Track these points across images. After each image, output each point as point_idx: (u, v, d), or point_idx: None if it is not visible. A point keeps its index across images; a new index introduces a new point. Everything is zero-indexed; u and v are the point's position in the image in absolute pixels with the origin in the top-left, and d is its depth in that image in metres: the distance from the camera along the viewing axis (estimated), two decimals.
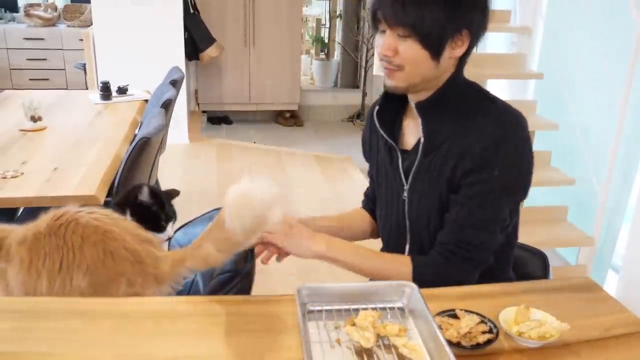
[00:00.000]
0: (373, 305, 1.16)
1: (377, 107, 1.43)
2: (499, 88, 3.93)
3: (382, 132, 1.41)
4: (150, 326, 1.10)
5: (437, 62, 1.26)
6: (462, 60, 1.32)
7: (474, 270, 1.33)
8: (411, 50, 1.24)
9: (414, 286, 1.17)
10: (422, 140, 1.34)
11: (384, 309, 1.16)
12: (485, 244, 1.31)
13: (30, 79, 6.11)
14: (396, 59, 1.26)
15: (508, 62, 3.56)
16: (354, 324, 1.07)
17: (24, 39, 6.06)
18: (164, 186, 4.18)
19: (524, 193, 1.33)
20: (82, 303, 1.17)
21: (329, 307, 1.16)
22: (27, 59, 6.10)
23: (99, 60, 4.98)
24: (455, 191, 1.30)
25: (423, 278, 1.29)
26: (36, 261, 1.18)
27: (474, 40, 1.29)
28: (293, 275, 3.18)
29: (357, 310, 1.14)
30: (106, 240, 1.20)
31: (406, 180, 1.39)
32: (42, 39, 6.09)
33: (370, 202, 1.64)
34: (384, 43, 1.27)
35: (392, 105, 1.42)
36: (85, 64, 5.11)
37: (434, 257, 1.34)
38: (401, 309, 1.17)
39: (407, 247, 1.43)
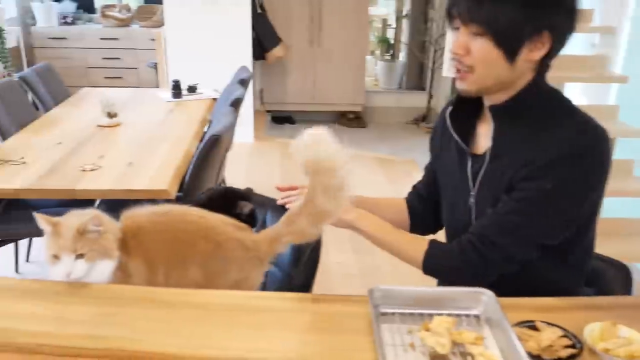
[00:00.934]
0: (447, 312, 1.14)
1: (450, 108, 1.39)
2: (577, 92, 3.79)
3: (454, 134, 1.37)
4: (226, 318, 1.13)
5: (511, 64, 1.20)
6: (543, 64, 1.25)
7: (485, 273, 1.27)
8: (484, 50, 1.19)
9: (491, 294, 1.15)
10: (491, 143, 1.30)
11: (459, 315, 1.15)
12: (508, 251, 1.26)
13: (104, 77, 6.34)
14: (467, 58, 1.22)
15: (588, 64, 3.40)
16: (428, 329, 1.07)
17: (100, 38, 6.30)
18: (230, 184, 4.27)
19: (578, 215, 1.26)
20: (161, 293, 1.21)
21: (402, 311, 1.16)
22: (102, 58, 6.33)
23: (170, 59, 5.12)
24: (508, 192, 1.26)
25: (432, 263, 1.29)
26: (152, 255, 1.25)
27: (558, 43, 1.21)
28: (355, 276, 3.19)
29: (430, 315, 1.13)
30: (213, 233, 1.28)
31: (473, 185, 1.35)
32: (117, 38, 6.31)
33: (416, 196, 1.60)
34: (456, 40, 1.22)
35: (467, 106, 1.37)
36: (156, 63, 5.27)
37: (451, 245, 1.31)
38: (477, 317, 1.15)
39: None
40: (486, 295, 1.16)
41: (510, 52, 1.19)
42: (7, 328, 1.08)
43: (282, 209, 1.40)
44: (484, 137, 1.35)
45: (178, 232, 1.27)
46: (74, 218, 1.20)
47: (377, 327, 1.06)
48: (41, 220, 1.18)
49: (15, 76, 3.61)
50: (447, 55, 3.85)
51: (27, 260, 3.26)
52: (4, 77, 5.14)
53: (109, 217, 1.23)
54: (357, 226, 1.38)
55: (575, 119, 1.24)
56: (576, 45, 3.86)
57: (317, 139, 1.21)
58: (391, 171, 4.83)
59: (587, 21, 3.51)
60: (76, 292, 1.20)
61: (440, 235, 1.64)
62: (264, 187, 4.84)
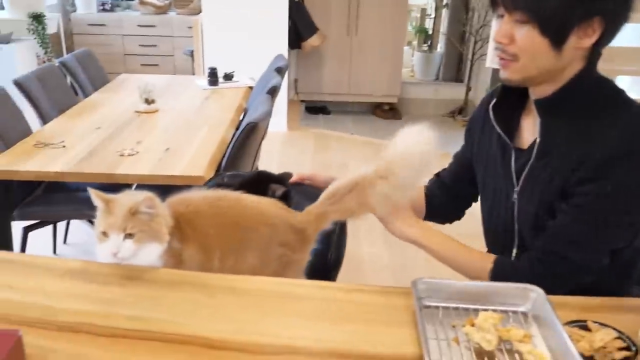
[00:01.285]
0: (493, 307, 1.11)
1: (494, 100, 1.33)
2: (628, 85, 3.64)
3: (497, 127, 1.32)
4: (269, 305, 1.12)
5: (558, 52, 1.13)
6: (593, 53, 1.17)
7: (559, 287, 1.19)
8: (528, 38, 1.13)
9: (540, 291, 1.11)
10: (537, 140, 1.24)
11: (505, 312, 1.11)
12: (579, 263, 1.20)
13: (141, 64, 6.40)
14: (511, 47, 1.16)
15: (638, 56, 3.28)
16: (473, 325, 1.03)
17: (138, 25, 6.36)
18: None
19: None
20: (206, 278, 1.20)
21: (446, 305, 1.13)
22: (139, 45, 6.39)
23: (207, 47, 5.14)
24: (565, 198, 1.19)
25: (500, 281, 1.22)
26: (208, 241, 1.24)
27: (610, 30, 1.13)
28: (386, 268, 3.16)
29: (476, 310, 1.09)
30: (269, 217, 1.29)
31: (517, 181, 1.29)
32: (154, 26, 6.35)
33: (439, 184, 1.56)
34: (500, 29, 1.16)
35: (511, 98, 1.31)
36: (193, 51, 5.29)
37: (520, 262, 1.26)
38: (524, 314, 1.11)
39: (515, 251, 1.35)
40: (535, 292, 1.12)
41: (557, 39, 1.12)
42: (48, 306, 1.08)
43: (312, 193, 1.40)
44: (529, 130, 1.30)
45: (236, 218, 1.26)
46: (128, 197, 1.18)
47: (421, 320, 1.03)
48: (95, 195, 1.16)
49: (56, 61, 3.66)
50: (491, 46, 3.77)
51: (65, 243, 3.32)
52: (44, 62, 5.22)
53: (161, 202, 1.22)
54: (421, 242, 1.33)
55: (632, 111, 1.17)
56: (627, 36, 3.73)
57: (421, 133, 1.29)
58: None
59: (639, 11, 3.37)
60: (120, 273, 1.20)
61: (457, 227, 1.61)
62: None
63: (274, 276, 1.25)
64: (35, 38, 5.28)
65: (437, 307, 1.12)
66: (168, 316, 1.06)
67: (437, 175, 1.58)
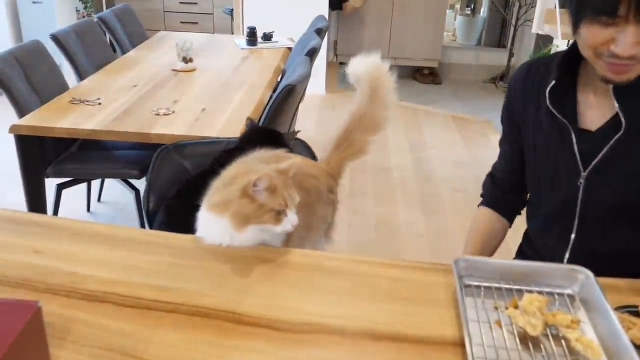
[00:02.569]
0: (538, 289, 1.05)
1: (552, 83, 1.20)
2: None
3: (554, 110, 1.21)
4: (299, 279, 1.07)
5: None
6: None
7: None
8: None
9: (590, 273, 1.04)
10: (623, 123, 1.13)
11: (551, 294, 1.05)
12: None
13: (181, 22, 6.33)
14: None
15: None
16: (517, 307, 0.97)
17: None
18: (300, 135, 4.22)
19: None
20: (232, 248, 1.17)
21: (488, 284, 1.07)
22: (179, 2, 6.32)
23: (246, 5, 5.05)
24: None
25: None
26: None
27: None
28: (423, 237, 3.11)
29: (519, 291, 1.04)
30: (316, 169, 1.43)
31: (584, 164, 1.20)
32: None
33: (501, 185, 1.45)
34: (627, 43, 0.99)
35: (564, 79, 1.21)
36: (232, 9, 5.21)
37: None
38: (571, 297, 1.05)
39: (573, 235, 1.26)
40: (583, 273, 1.05)
41: None
42: (74, 273, 1.05)
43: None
44: (593, 111, 1.19)
45: (302, 174, 1.30)
46: (270, 172, 1.13)
47: (462, 301, 0.98)
48: (266, 180, 1.10)
49: (95, 16, 3.62)
50: (538, 12, 3.62)
51: (99, 201, 3.33)
52: (83, 17, 5.21)
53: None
54: None
55: None
56: None
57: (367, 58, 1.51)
58: (466, 130, 4.65)
59: None
60: (149, 240, 1.17)
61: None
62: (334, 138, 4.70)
63: (327, 221, 1.38)
64: None
65: (478, 287, 1.06)
66: (195, 287, 1.03)
67: (493, 175, 1.48)
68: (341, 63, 6.04)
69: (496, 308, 1.01)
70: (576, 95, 1.22)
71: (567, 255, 1.27)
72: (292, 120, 3.10)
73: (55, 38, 2.95)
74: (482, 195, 1.51)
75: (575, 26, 1.08)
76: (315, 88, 5.16)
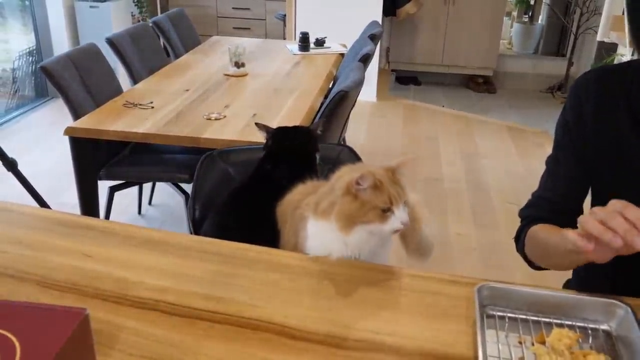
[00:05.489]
0: (570, 322, 0.95)
1: None
2: None
3: None
4: (352, 292, 1.02)
5: None
6: None
7: None
8: None
9: (628, 308, 0.94)
10: None
11: (584, 329, 0.95)
12: None
13: (233, 27, 6.39)
14: None
15: None
16: (544, 342, 0.89)
17: None
18: (349, 143, 4.18)
19: None
20: (283, 256, 1.13)
21: (513, 315, 0.98)
22: (232, 8, 6.38)
23: (299, 11, 5.05)
24: None
25: None
26: None
27: None
28: (474, 250, 3.01)
29: (549, 324, 0.94)
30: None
31: None
32: None
33: (560, 213, 1.24)
34: None
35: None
36: (285, 15, 5.22)
37: None
38: (607, 333, 0.95)
39: None
40: (622, 308, 0.94)
41: None
42: (124, 278, 1.03)
43: None
44: None
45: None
46: (374, 171, 1.10)
47: (481, 334, 0.88)
48: (368, 176, 1.07)
49: (149, 21, 3.67)
50: (603, 19, 3.49)
51: (150, 204, 3.36)
52: (138, 21, 5.30)
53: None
54: None
55: None
56: None
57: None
58: (521, 141, 4.52)
59: None
60: (201, 247, 1.14)
61: None
62: (384, 147, 4.75)
63: None
64: None
65: (502, 318, 0.97)
66: (245, 297, 0.99)
67: (549, 201, 1.30)
68: (393, 70, 5.98)
69: (520, 343, 0.92)
70: None
71: None
72: (344, 126, 3.06)
73: (110, 41, 2.99)
74: (527, 224, 1.30)
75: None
76: (367, 95, 5.11)
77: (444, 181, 3.81)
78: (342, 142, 3.97)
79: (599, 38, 3.64)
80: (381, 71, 5.64)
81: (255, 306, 0.97)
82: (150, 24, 3.57)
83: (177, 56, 3.58)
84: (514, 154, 4.27)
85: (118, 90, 2.80)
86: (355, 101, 3.21)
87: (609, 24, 3.40)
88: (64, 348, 0.66)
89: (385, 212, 1.06)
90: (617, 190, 1.18)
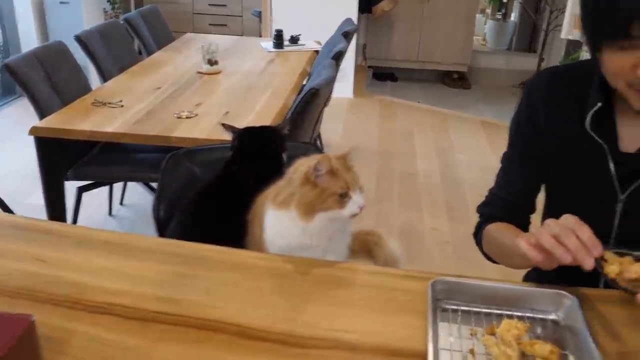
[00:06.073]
0: (520, 313, 0.98)
1: (597, 106, 1.10)
2: None
3: (592, 133, 1.12)
4: (311, 291, 1.03)
5: None
6: None
7: None
8: None
9: (575, 298, 0.97)
10: None
11: (533, 319, 0.97)
12: None
13: (209, 24, 6.35)
14: None
15: None
16: (494, 333, 0.91)
17: None
18: (325, 139, 4.18)
19: None
20: (243, 256, 1.12)
21: (467, 308, 1.00)
22: (208, 4, 6.33)
23: (274, 8, 5.03)
24: None
25: None
26: None
27: None
28: (448, 243, 3.03)
29: (500, 316, 0.97)
30: None
31: (622, 188, 1.12)
32: None
33: (514, 210, 1.29)
34: None
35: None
36: (260, 12, 5.19)
37: None
38: (555, 323, 0.97)
39: None
40: (569, 298, 0.98)
41: None
42: (78, 283, 1.02)
43: None
44: (631, 133, 1.12)
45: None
46: (329, 158, 1.13)
47: (432, 327, 0.91)
48: (324, 162, 1.09)
49: (121, 18, 3.63)
50: (567, 18, 3.53)
51: (121, 204, 3.32)
52: (111, 18, 5.24)
53: None
54: None
55: None
56: None
57: None
58: (495, 136, 4.56)
59: None
60: (160, 248, 1.14)
61: None
62: (360, 143, 4.76)
63: None
64: None
65: (456, 311, 0.99)
66: (203, 298, 0.99)
67: (500, 199, 1.32)
68: (370, 67, 5.99)
69: (473, 335, 0.94)
70: (614, 116, 1.13)
71: (603, 278, 1.19)
72: (317, 123, 3.06)
73: (79, 39, 2.95)
74: (484, 222, 1.34)
75: (595, 56, 1.01)
76: (344, 92, 5.12)
77: (419, 176, 3.83)
78: (315, 140, 3.97)
79: (562, 36, 3.69)
80: (358, 68, 5.65)
81: (215, 307, 0.97)
82: (122, 21, 3.53)
83: (149, 54, 3.55)
84: (488, 149, 4.31)
85: (87, 89, 2.76)
86: (329, 99, 3.21)
87: (572, 22, 3.45)
88: (6, 357, 0.65)
89: (343, 198, 1.09)
90: (569, 189, 1.21)
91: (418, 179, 3.79)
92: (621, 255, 0.95)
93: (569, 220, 0.96)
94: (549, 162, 1.22)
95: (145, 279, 1.04)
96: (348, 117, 4.89)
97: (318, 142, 4.05)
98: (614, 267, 0.92)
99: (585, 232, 0.93)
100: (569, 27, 3.48)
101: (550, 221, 0.97)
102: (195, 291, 1.01)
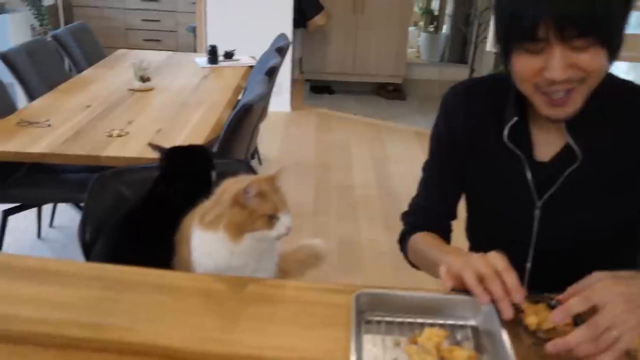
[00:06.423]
0: (442, 321, 1.01)
1: (513, 120, 1.15)
2: (622, 71, 3.62)
3: (510, 145, 1.17)
4: (238, 309, 1.03)
5: (611, 62, 1.02)
6: None
7: None
8: (597, 57, 0.97)
9: (492, 304, 0.99)
10: (578, 154, 1.11)
11: (453, 326, 1.01)
12: None
13: (143, 40, 6.28)
14: (576, 73, 0.99)
15: (635, 43, 3.24)
16: (416, 342, 0.94)
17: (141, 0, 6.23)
18: (263, 153, 4.19)
19: None
20: (169, 277, 1.12)
21: (391, 319, 1.02)
22: (142, 20, 6.26)
23: (209, 24, 5.02)
24: None
25: None
26: None
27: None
28: (385, 254, 3.08)
29: (423, 325, 1.00)
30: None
31: (539, 195, 1.18)
32: (158, 0, 6.22)
33: (437, 219, 1.34)
34: (557, 66, 0.97)
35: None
36: (195, 27, 5.17)
37: None
38: (475, 329, 1.01)
39: (529, 265, 1.24)
40: (485, 304, 1.00)
41: (616, 49, 1.00)
42: None
43: None
44: (544, 142, 1.17)
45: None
46: (259, 180, 1.14)
47: (356, 339, 0.93)
48: (255, 185, 1.10)
49: (48, 35, 3.55)
50: (492, 30, 3.67)
51: (51, 226, 3.22)
52: (39, 34, 5.11)
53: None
54: None
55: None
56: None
57: None
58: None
59: None
60: (83, 273, 1.12)
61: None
62: (299, 156, 4.79)
63: None
64: (30, 9, 5.14)
65: (380, 322, 1.02)
66: (127, 322, 0.98)
67: (422, 208, 1.37)
68: (307, 80, 6.04)
69: (397, 345, 0.96)
70: (528, 127, 1.19)
71: (525, 282, 1.24)
72: (252, 139, 3.06)
73: (4, 57, 2.87)
74: (408, 231, 1.38)
75: (506, 60, 1.06)
76: (281, 106, 5.14)
77: (356, 188, 3.89)
78: (253, 155, 3.98)
79: (488, 49, 3.83)
80: (295, 81, 5.69)
81: (138, 330, 0.96)
82: (49, 38, 3.45)
83: (80, 72, 3.48)
84: (422, 159, 4.31)
85: (12, 109, 2.67)
86: (265, 114, 3.23)
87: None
88: None
89: (271, 219, 1.11)
90: (489, 197, 1.26)
91: (355, 191, 3.85)
92: (535, 302, 0.98)
93: (497, 261, 0.98)
94: (467, 172, 1.27)
95: (68, 305, 1.02)
96: (286, 130, 4.91)
97: (256, 157, 4.06)
98: (532, 318, 0.94)
99: (511, 277, 0.96)
100: (494, 40, 3.62)
101: (477, 258, 1.00)
102: (119, 315, 1.00)
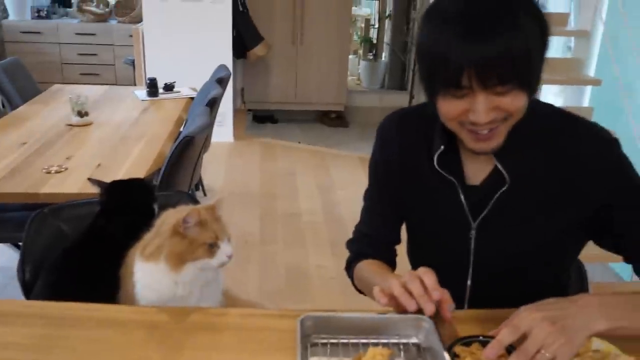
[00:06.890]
0: (385, 340, 1.04)
1: (440, 149, 1.19)
2: (552, 94, 3.79)
3: (442, 172, 1.21)
4: (184, 339, 1.03)
5: (530, 98, 1.08)
6: None
7: None
8: (517, 98, 1.03)
9: (431, 321, 1.04)
10: (506, 178, 1.16)
11: (397, 344, 1.04)
12: None
13: (80, 74, 6.18)
14: (499, 114, 1.05)
15: (563, 67, 3.43)
16: None
17: (76, 34, 6.14)
18: (208, 184, 4.17)
19: None
20: (112, 311, 1.11)
21: (336, 341, 1.04)
22: (78, 54, 6.17)
23: (148, 56, 4.99)
24: (608, 210, 1.15)
25: None
26: None
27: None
28: (334, 279, 3.10)
29: (367, 344, 1.02)
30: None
31: (473, 217, 1.22)
32: (94, 34, 6.15)
33: (382, 245, 1.38)
34: (481, 110, 1.02)
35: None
36: (134, 60, 5.14)
37: None
38: (417, 346, 1.04)
39: (469, 282, 1.28)
40: (427, 322, 1.05)
41: (534, 88, 1.07)
42: None
43: None
44: (473, 166, 1.22)
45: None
46: (199, 209, 1.16)
47: None
48: (194, 215, 1.11)
49: None
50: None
51: None
52: None
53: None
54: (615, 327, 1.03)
55: (580, 121, 1.18)
56: (552, 48, 3.88)
57: None
58: None
59: (563, 25, 3.51)
60: (22, 311, 1.10)
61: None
62: (244, 185, 4.76)
63: None
64: None
65: (325, 344, 1.04)
66: (70, 359, 0.96)
67: (368, 237, 1.40)
68: (249, 110, 6.06)
69: None
70: (459, 152, 1.23)
71: (466, 299, 1.28)
72: (195, 170, 3.05)
73: None
74: (354, 259, 1.41)
75: (432, 99, 1.10)
76: (223, 136, 5.14)
77: (302, 215, 3.91)
78: (197, 186, 3.95)
79: None
80: (237, 111, 5.70)
81: None
82: None
83: (14, 108, 3.40)
84: (366, 183, 4.47)
85: None
86: (207, 145, 3.23)
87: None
88: None
89: (212, 248, 1.12)
90: (426, 222, 1.31)
91: (301, 218, 3.87)
92: (468, 344, 0.99)
93: (419, 269, 1.06)
94: (405, 198, 1.31)
95: (10, 344, 1.00)
96: (229, 160, 4.91)
97: (200, 188, 4.04)
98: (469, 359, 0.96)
99: (430, 277, 1.03)
100: (419, 79, 3.77)
101: (406, 274, 1.07)
102: (62, 352, 0.98)
